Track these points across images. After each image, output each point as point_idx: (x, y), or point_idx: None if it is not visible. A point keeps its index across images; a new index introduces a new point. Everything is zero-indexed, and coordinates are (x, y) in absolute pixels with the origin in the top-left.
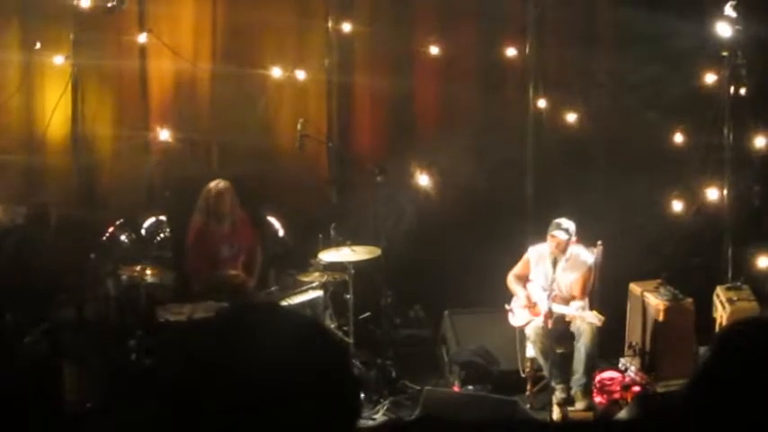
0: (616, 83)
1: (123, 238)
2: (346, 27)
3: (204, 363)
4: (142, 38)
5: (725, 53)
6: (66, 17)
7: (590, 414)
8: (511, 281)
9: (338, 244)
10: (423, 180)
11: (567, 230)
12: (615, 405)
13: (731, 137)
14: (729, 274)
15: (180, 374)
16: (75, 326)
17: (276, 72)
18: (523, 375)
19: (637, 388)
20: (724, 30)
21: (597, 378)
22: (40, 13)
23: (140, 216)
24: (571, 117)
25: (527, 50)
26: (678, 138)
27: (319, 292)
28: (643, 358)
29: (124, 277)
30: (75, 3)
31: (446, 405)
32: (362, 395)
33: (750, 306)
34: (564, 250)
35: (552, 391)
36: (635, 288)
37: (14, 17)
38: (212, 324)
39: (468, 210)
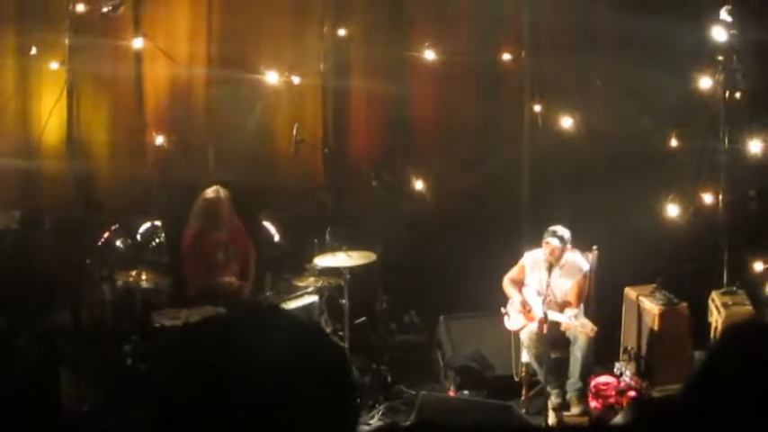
0: (612, 87)
1: (119, 242)
2: (342, 32)
3: (201, 366)
4: (138, 43)
5: (720, 57)
6: (62, 22)
7: (585, 419)
8: (506, 284)
9: (333, 249)
10: (418, 185)
11: (561, 238)
12: (610, 410)
13: (726, 141)
14: (725, 279)
15: (176, 378)
16: (71, 330)
17: (272, 77)
18: (517, 380)
19: (632, 393)
20: (719, 34)
21: (592, 383)
22: (36, 18)
23: (136, 221)
24: (567, 122)
25: (523, 55)
26: (673, 142)
27: (315, 297)
28: (638, 363)
29: (120, 282)
30: (70, 8)
31: (441, 410)
32: (359, 400)
33: (745, 311)
34: (558, 257)
35: (547, 396)
36: (630, 293)
37: (10, 22)
38: (209, 327)
39: (463, 214)
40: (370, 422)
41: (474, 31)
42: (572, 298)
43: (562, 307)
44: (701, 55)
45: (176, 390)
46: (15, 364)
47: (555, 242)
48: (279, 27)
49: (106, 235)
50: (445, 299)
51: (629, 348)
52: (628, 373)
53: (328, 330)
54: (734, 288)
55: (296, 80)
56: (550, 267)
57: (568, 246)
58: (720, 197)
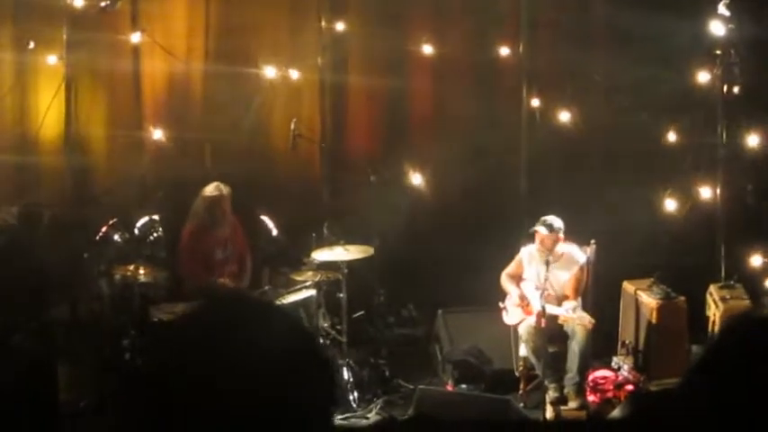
0: (609, 82)
1: (116, 237)
2: (339, 26)
3: (187, 361)
4: (135, 37)
5: (718, 52)
6: (60, 17)
7: (583, 413)
8: (504, 280)
9: (331, 243)
10: (416, 179)
11: (549, 226)
12: (608, 404)
13: (724, 135)
14: (722, 273)
15: (164, 373)
16: (69, 325)
17: (269, 72)
18: (517, 374)
19: (630, 387)
20: (717, 28)
21: (590, 377)
22: (34, 12)
23: (133, 215)
24: (565, 116)
25: (520, 50)
26: (671, 136)
27: (312, 291)
28: (636, 357)
29: (117, 277)
30: (68, 2)
31: (439, 404)
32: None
33: (743, 304)
34: (550, 247)
35: (545, 389)
36: (628, 287)
37: (8, 17)
38: (193, 322)
39: (461, 209)
40: (369, 416)
41: (471, 26)
42: (569, 291)
43: (560, 300)
44: (698, 49)
45: (164, 385)
46: (13, 360)
47: (542, 230)
48: (276, 22)
49: (104, 229)
50: (443, 293)
51: (626, 342)
52: (625, 366)
53: (326, 324)
54: (732, 282)
55: (293, 75)
56: (548, 262)
57: (560, 235)
58: (718, 191)
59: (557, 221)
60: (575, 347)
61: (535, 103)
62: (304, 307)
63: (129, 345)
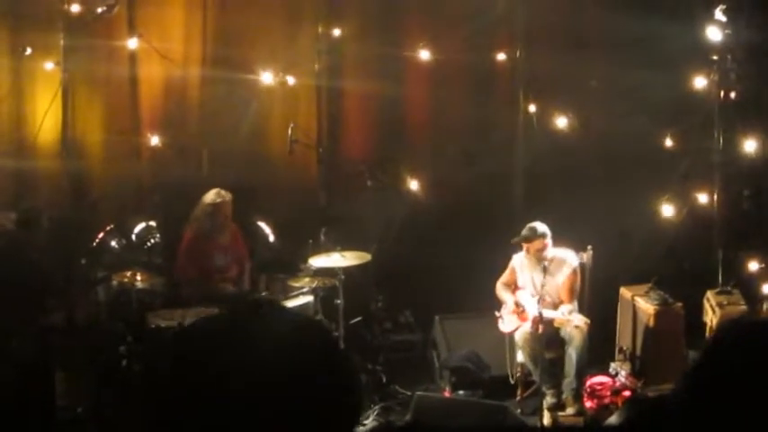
0: (606, 87)
1: (113, 243)
2: (336, 32)
3: (196, 365)
4: (132, 43)
5: (715, 57)
6: (57, 22)
7: (580, 419)
8: (499, 288)
9: (328, 249)
10: (413, 185)
11: (534, 231)
12: (605, 410)
13: (721, 141)
14: (719, 279)
15: (173, 378)
16: (66, 331)
17: (266, 77)
18: (512, 382)
19: (627, 392)
20: (714, 34)
21: (588, 383)
22: (31, 18)
23: (131, 221)
24: (561, 122)
25: (517, 55)
26: (668, 142)
27: (310, 298)
28: (633, 363)
29: (114, 283)
30: (65, 8)
31: (437, 410)
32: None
33: (740, 310)
34: (539, 251)
35: (543, 396)
36: (625, 292)
37: (4, 22)
38: (203, 326)
39: (458, 214)
40: (365, 422)
41: (468, 32)
42: (564, 294)
43: (556, 305)
44: (695, 55)
45: (173, 390)
46: (10, 366)
47: (527, 236)
48: (273, 28)
49: (101, 235)
50: (440, 298)
51: (624, 348)
52: (623, 372)
53: None
54: (729, 288)
55: (290, 81)
56: (545, 268)
57: (546, 240)
58: (715, 196)
59: (540, 226)
60: (572, 353)
61: (532, 108)
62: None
63: (126, 351)
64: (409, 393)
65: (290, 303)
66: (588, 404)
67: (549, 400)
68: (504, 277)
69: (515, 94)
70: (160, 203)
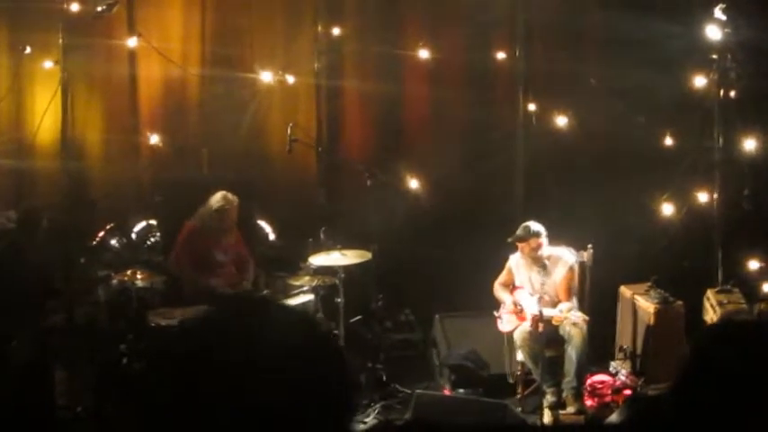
0: (606, 86)
1: (114, 242)
2: (335, 31)
3: (197, 363)
4: (132, 42)
5: (714, 56)
6: (56, 21)
7: (581, 417)
8: (497, 289)
9: (328, 248)
10: (413, 184)
11: (528, 231)
12: (606, 408)
13: (721, 140)
14: (720, 277)
15: (173, 376)
16: (66, 330)
17: (265, 76)
18: (511, 381)
19: (628, 391)
20: (713, 33)
21: (588, 381)
22: (30, 17)
23: (131, 220)
24: (561, 121)
25: (516, 54)
26: (668, 141)
27: (310, 296)
28: (634, 361)
29: (114, 281)
30: (64, 7)
31: (437, 409)
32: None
33: (740, 309)
34: (535, 249)
35: (543, 394)
36: (625, 291)
37: (3, 21)
38: (204, 323)
39: (458, 213)
40: (366, 421)
41: (468, 31)
42: (562, 292)
43: (555, 303)
44: (695, 54)
45: (173, 388)
46: (10, 365)
47: (520, 234)
48: (272, 27)
49: (101, 234)
50: (440, 297)
51: (624, 347)
52: (623, 371)
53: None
54: (729, 286)
55: (290, 80)
56: (545, 266)
57: (540, 239)
58: (715, 195)
59: (534, 225)
60: (571, 352)
61: (531, 107)
62: None
63: (127, 349)
64: (409, 392)
65: (291, 302)
66: (589, 403)
67: (549, 398)
68: (502, 278)
69: (515, 93)
70: (160, 202)
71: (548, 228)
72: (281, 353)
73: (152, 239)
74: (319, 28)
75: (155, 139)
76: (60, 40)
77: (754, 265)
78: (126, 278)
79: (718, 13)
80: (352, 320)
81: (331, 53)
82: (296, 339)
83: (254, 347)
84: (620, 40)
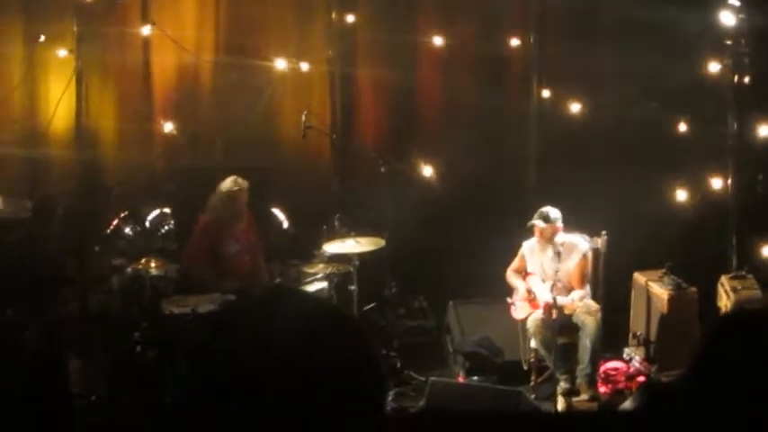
0: (619, 72)
1: (128, 230)
2: (349, 18)
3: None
4: (146, 30)
5: (728, 42)
6: (70, 10)
7: (594, 404)
8: (510, 275)
9: (342, 235)
10: (426, 171)
11: (545, 217)
12: (620, 395)
13: (735, 125)
14: (734, 263)
15: (200, 366)
16: (80, 319)
17: (279, 64)
18: (525, 368)
19: (641, 378)
20: (727, 18)
21: (602, 368)
22: (44, 6)
23: (144, 208)
24: (574, 108)
25: (530, 41)
26: (682, 127)
27: (324, 284)
28: (647, 348)
29: (128, 269)
30: None
31: (451, 396)
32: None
33: (754, 295)
34: (549, 238)
35: (556, 381)
36: (639, 277)
37: (18, 10)
38: (230, 313)
39: (471, 200)
40: (384, 409)
41: (481, 17)
42: (575, 280)
43: (568, 290)
44: (709, 39)
45: (200, 378)
46: (24, 355)
47: (539, 223)
48: (286, 14)
49: (115, 222)
50: (454, 284)
51: (638, 333)
52: (637, 358)
53: None
54: (743, 272)
55: (304, 67)
56: (558, 253)
57: (557, 225)
58: (729, 181)
59: (553, 212)
60: (585, 339)
61: (545, 93)
62: None
63: (141, 337)
64: (423, 379)
65: (305, 289)
66: (602, 389)
67: (562, 385)
68: (514, 264)
69: (529, 79)
70: (174, 190)
71: (561, 214)
72: (304, 341)
73: (166, 227)
74: (333, 15)
75: (168, 126)
76: (74, 29)
77: None
78: (140, 266)
79: None
80: (365, 308)
81: (345, 40)
82: (319, 326)
83: (277, 337)
84: (634, 27)
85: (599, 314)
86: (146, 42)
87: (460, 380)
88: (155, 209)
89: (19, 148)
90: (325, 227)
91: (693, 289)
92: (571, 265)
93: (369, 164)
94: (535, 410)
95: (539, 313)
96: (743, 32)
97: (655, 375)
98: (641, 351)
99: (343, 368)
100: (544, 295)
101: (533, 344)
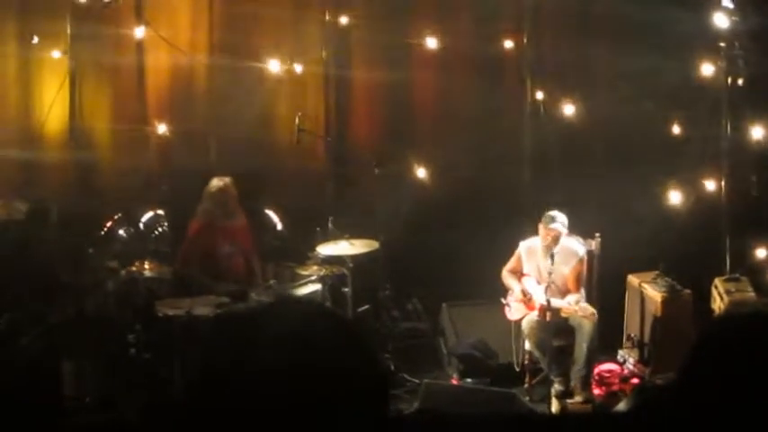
0: (613, 74)
1: (122, 232)
2: (343, 19)
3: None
4: (139, 31)
5: (722, 43)
6: (64, 11)
7: (589, 406)
8: (505, 276)
9: (336, 237)
10: (420, 172)
11: (563, 224)
12: (614, 397)
13: (729, 127)
14: (728, 266)
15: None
16: (74, 320)
17: (273, 65)
18: (517, 369)
19: (635, 380)
20: (721, 20)
21: (596, 370)
22: (38, 6)
23: (138, 210)
24: (568, 108)
25: (524, 43)
26: (676, 128)
27: (318, 286)
28: (641, 350)
29: (123, 272)
30: None
31: (445, 398)
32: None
33: (748, 297)
34: (552, 240)
35: (550, 383)
36: (633, 279)
37: (12, 11)
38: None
39: (465, 202)
40: (388, 414)
41: (475, 19)
42: (571, 284)
43: (563, 293)
44: (702, 41)
45: (206, 384)
46: (18, 358)
47: (560, 228)
48: (280, 15)
49: (109, 224)
50: (448, 286)
51: (632, 335)
52: (631, 360)
53: None
54: (737, 275)
55: (298, 68)
56: (552, 255)
57: (563, 231)
58: (723, 183)
59: (561, 216)
60: (581, 340)
61: (539, 94)
62: None
63: (135, 339)
64: (417, 381)
65: (299, 291)
66: (596, 391)
67: (557, 387)
68: (510, 264)
69: (523, 80)
70: (168, 192)
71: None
72: (300, 344)
73: (160, 229)
74: (327, 16)
75: (162, 128)
76: (68, 30)
77: (761, 252)
78: (134, 268)
79: (726, 0)
80: (359, 310)
81: (339, 42)
82: (316, 332)
83: (274, 342)
84: (628, 28)
85: (595, 317)
86: (139, 43)
87: (454, 382)
88: (149, 211)
89: (12, 149)
90: (318, 229)
91: (687, 291)
92: (567, 269)
93: (362, 165)
94: (529, 412)
95: (534, 315)
96: (737, 34)
97: (649, 377)
98: (635, 353)
99: (343, 370)
100: (538, 297)
101: (527, 346)
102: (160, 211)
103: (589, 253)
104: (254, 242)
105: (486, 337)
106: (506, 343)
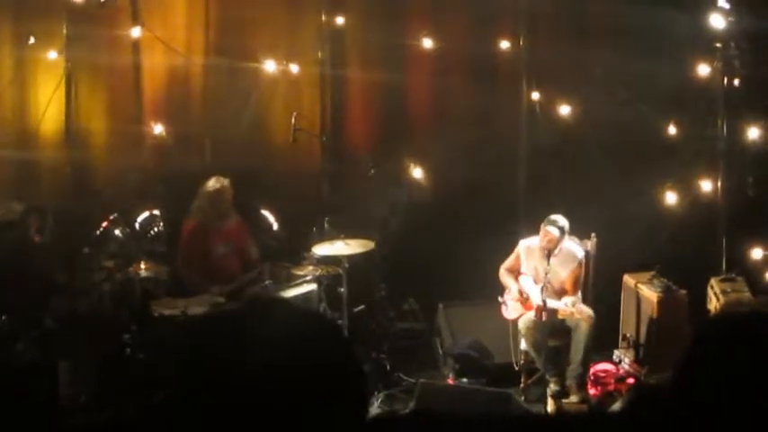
0: (609, 75)
1: (117, 232)
2: (339, 21)
3: (209, 360)
4: (135, 32)
5: (718, 44)
6: (60, 12)
7: (584, 406)
8: (503, 274)
9: (332, 237)
10: (416, 173)
11: (561, 228)
12: (609, 397)
13: (725, 128)
14: (724, 266)
15: (185, 373)
16: (69, 320)
17: (269, 66)
18: (516, 368)
19: (631, 380)
20: (717, 21)
21: (592, 370)
22: (34, 7)
23: (134, 210)
24: (564, 109)
25: (520, 44)
26: (672, 129)
27: (313, 286)
28: (637, 350)
29: (118, 272)
30: None
31: (441, 398)
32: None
33: (744, 297)
34: (556, 246)
35: (546, 383)
36: (629, 280)
37: (7, 12)
38: (215, 320)
39: (461, 202)
40: (370, 410)
41: (471, 20)
42: (568, 285)
43: (560, 294)
44: (698, 42)
45: (186, 384)
46: (14, 360)
47: (555, 232)
48: (276, 16)
49: (104, 224)
50: (444, 286)
51: (627, 336)
52: (626, 360)
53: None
54: (733, 275)
55: (293, 69)
56: (549, 255)
57: (564, 237)
58: (719, 184)
59: (566, 222)
60: (578, 340)
61: (535, 96)
62: (305, 301)
63: (130, 339)
64: (413, 381)
65: (294, 291)
66: (592, 391)
67: (552, 387)
68: (508, 262)
69: (518, 82)
70: (164, 192)
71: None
72: (284, 349)
73: (156, 229)
74: (323, 17)
75: (158, 128)
76: (64, 31)
77: (758, 253)
78: (130, 268)
79: (722, 1)
80: (355, 310)
81: (335, 43)
82: (299, 334)
83: (257, 347)
84: (624, 29)
85: (592, 319)
86: (135, 44)
87: (450, 382)
88: (144, 211)
89: (8, 149)
90: (314, 229)
91: (683, 291)
92: (565, 271)
93: (358, 166)
94: (525, 413)
95: (530, 315)
96: (733, 35)
97: (644, 377)
98: (631, 353)
99: (325, 368)
100: (536, 297)
101: (524, 346)
102: (156, 212)
103: (585, 253)
104: (250, 236)
105: (482, 337)
106: (502, 343)
